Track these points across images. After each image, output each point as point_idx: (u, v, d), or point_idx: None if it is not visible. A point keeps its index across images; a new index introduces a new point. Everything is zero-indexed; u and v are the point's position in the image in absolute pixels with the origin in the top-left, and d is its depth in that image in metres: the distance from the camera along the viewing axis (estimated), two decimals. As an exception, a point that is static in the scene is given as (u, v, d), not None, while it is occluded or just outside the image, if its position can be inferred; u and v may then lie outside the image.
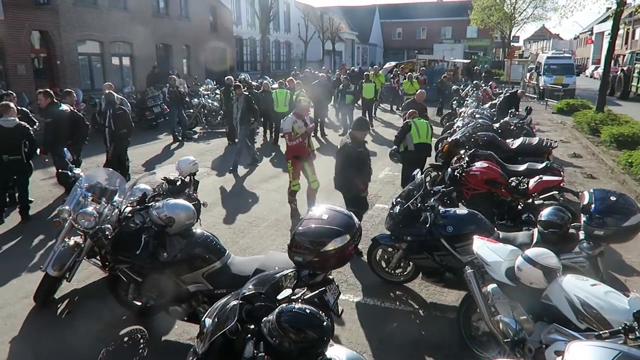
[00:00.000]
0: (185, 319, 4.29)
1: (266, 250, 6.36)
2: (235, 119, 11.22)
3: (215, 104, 16.11)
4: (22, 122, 7.12)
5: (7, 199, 7.56)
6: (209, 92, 17.16)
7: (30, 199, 7.61)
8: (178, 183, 5.93)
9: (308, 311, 2.50)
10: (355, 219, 3.65)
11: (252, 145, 11.92)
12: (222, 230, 6.93)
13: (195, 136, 14.89)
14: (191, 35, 24.65)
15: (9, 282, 5.52)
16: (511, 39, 42.77)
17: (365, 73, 18.86)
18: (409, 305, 5.16)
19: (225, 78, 14.55)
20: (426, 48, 45.61)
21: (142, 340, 4.49)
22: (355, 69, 27.86)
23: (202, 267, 4.07)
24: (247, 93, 11.60)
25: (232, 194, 9.02)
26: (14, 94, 8.86)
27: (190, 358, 2.69)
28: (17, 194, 7.59)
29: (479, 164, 6.75)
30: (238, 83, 12.34)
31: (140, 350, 4.36)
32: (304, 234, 3.50)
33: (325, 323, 2.50)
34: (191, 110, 15.68)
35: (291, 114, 7.90)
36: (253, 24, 34.52)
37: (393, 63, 29.79)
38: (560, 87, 23.50)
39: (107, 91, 8.88)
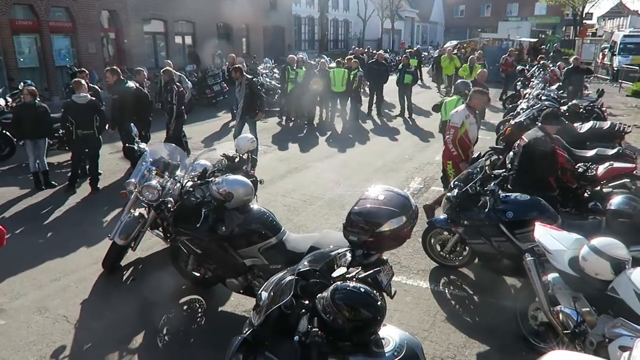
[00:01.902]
0: (241, 291, 4.42)
1: (320, 229, 6.45)
2: (238, 109, 9.77)
3: (274, 82, 16.25)
4: (94, 98, 7.50)
5: (79, 171, 8.03)
6: (267, 71, 17.31)
7: (99, 171, 8.05)
8: (236, 160, 6.07)
9: (362, 290, 2.51)
10: (412, 201, 3.60)
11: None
12: (277, 207, 7.05)
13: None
14: (251, 14, 24.83)
15: (79, 248, 5.90)
16: (584, 15, 40.13)
17: (405, 55, 17.54)
18: (463, 290, 5.07)
19: (288, 57, 14.55)
20: (490, 26, 43.75)
21: (200, 310, 4.69)
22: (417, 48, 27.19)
23: (259, 242, 4.17)
24: (250, 76, 10.13)
25: (287, 172, 9.13)
26: (87, 71, 9.30)
27: (246, 329, 2.78)
28: (87, 167, 8.05)
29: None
30: (238, 65, 10.48)
31: (198, 319, 4.55)
32: (359, 214, 3.50)
33: (379, 302, 2.51)
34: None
35: (463, 105, 6.43)
36: (312, 2, 34.34)
37: (454, 42, 28.80)
38: (637, 67, 21.88)
39: (166, 68, 9.14)
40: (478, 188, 4.82)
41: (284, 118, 14.08)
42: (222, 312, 4.66)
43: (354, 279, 2.72)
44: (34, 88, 7.98)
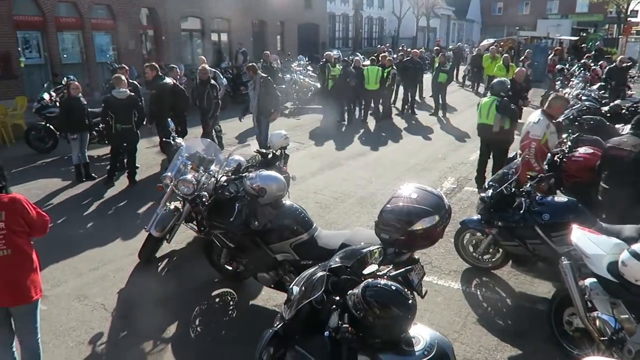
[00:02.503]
0: (272, 286, 4.47)
1: (350, 226, 6.45)
2: (253, 109, 9.47)
3: (307, 80, 16.31)
4: (133, 94, 7.71)
5: (118, 164, 8.27)
6: (301, 68, 17.39)
7: (136, 164, 8.27)
8: (269, 156, 6.14)
9: (394, 288, 2.51)
10: (445, 200, 3.57)
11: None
12: (308, 204, 7.09)
13: (286, 112, 15.22)
14: (286, 12, 24.99)
15: (117, 239, 6.08)
16: (628, 13, 38.63)
17: (442, 53, 17.21)
18: (495, 292, 4.99)
19: (325, 54, 14.57)
20: (529, 24, 42.66)
21: (231, 303, 4.78)
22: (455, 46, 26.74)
23: (290, 238, 4.21)
24: (265, 75, 9.73)
25: (319, 170, 9.17)
26: (126, 68, 9.55)
27: (277, 322, 2.82)
28: (125, 160, 8.28)
29: (582, 150, 6.23)
30: (252, 64, 10.15)
31: (230, 312, 4.64)
32: (391, 212, 3.50)
33: (410, 301, 2.51)
34: (283, 86, 16.01)
35: (540, 113, 5.72)
36: (346, 0, 34.27)
37: (491, 40, 28.17)
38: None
39: (203, 65, 9.30)
40: (513, 189, 4.73)
41: (324, 115, 14.04)
42: (253, 305, 4.73)
43: (385, 277, 2.72)
44: (78, 83, 8.26)
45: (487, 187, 5.00)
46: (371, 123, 13.61)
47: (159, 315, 4.50)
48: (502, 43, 27.14)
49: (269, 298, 4.79)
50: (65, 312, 4.52)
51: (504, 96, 7.30)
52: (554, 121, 5.75)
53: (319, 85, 15.83)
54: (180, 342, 4.15)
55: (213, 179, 5.23)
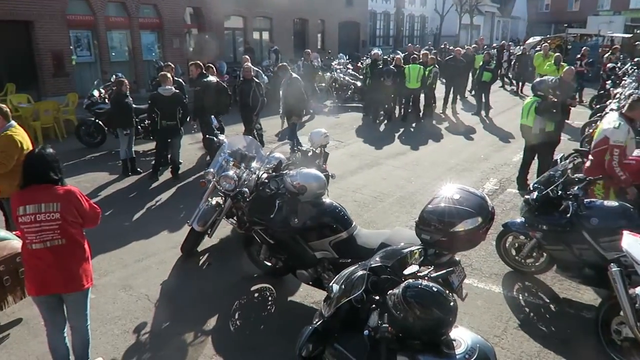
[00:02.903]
0: (310, 283, 4.50)
1: (390, 226, 6.41)
2: (282, 107, 9.36)
3: (347, 78, 16.28)
4: (178, 91, 7.92)
5: (162, 160, 8.51)
6: (341, 67, 17.38)
7: (179, 160, 8.48)
8: (309, 154, 6.18)
9: (435, 289, 2.49)
10: (489, 202, 3.49)
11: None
12: (347, 202, 7.08)
13: (326, 110, 15.26)
14: (327, 10, 25.01)
15: (160, 232, 6.26)
16: (687, 9, 36.62)
17: (487, 52, 16.64)
18: (538, 298, 4.85)
19: (372, 52, 14.50)
20: (578, 21, 41.11)
21: (270, 298, 4.83)
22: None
23: (330, 236, 4.22)
24: (296, 75, 9.62)
25: (358, 168, 9.15)
26: (172, 65, 9.79)
27: (316, 320, 2.84)
28: (169, 156, 8.51)
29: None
30: (284, 64, 10.15)
31: (269, 307, 4.69)
32: (432, 212, 3.46)
33: (451, 303, 2.47)
34: (323, 84, 16.06)
35: (618, 117, 5.40)
36: (388, -2, 33.98)
37: (538, 38, 27.31)
38: None
39: (247, 64, 9.42)
40: (560, 192, 4.58)
41: (368, 114, 14.00)
42: (291, 302, 4.77)
43: (426, 278, 2.70)
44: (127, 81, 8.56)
45: (532, 189, 4.86)
46: (411, 122, 13.46)
47: (200, 307, 4.61)
48: (549, 41, 26.28)
49: (307, 295, 4.82)
50: (111, 301, 4.69)
51: (545, 96, 7.04)
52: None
53: (358, 83, 15.81)
54: (220, 335, 4.23)
55: (254, 176, 5.32)
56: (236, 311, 4.59)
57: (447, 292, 2.56)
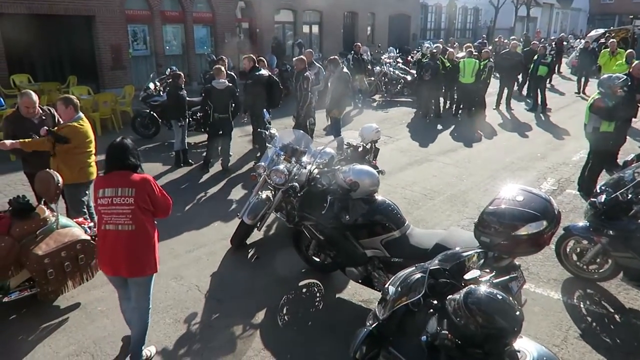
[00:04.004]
0: (360, 281, 4.42)
1: (440, 225, 6.25)
2: (330, 100, 9.18)
3: (397, 72, 16.01)
4: (231, 85, 7.99)
5: (213, 152, 8.62)
6: (391, 61, 17.09)
7: (230, 153, 8.58)
8: (360, 149, 6.08)
9: (499, 297, 2.35)
10: (555, 205, 3.29)
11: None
12: (396, 199, 6.89)
13: (374, 104, 15.07)
14: (378, 2, 24.67)
15: (210, 223, 6.34)
16: None
17: (542, 45, 15.77)
18: (601, 306, 4.57)
19: (425, 46, 14.19)
20: (645, 12, 38.66)
21: (318, 294, 4.79)
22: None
23: (381, 234, 4.12)
24: (346, 70, 9.39)
25: (408, 164, 8.96)
26: (225, 59, 9.89)
27: (370, 321, 2.76)
28: (220, 148, 8.62)
29: None
30: (335, 57, 9.75)
31: (316, 303, 4.65)
32: (493, 214, 3.29)
33: (517, 313, 2.33)
34: (372, 78, 15.85)
35: None
36: (441, -10, 33.15)
37: (600, 30, 25.93)
38: None
39: (300, 57, 9.39)
40: (630, 195, 4.28)
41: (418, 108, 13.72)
42: (339, 299, 4.71)
43: (488, 284, 2.56)
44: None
45: (599, 191, 4.58)
46: (463, 117, 13.09)
47: (249, 300, 4.62)
48: (612, 34, 24.90)
49: (355, 293, 4.75)
50: (163, 290, 4.78)
51: (608, 93, 6.56)
52: None
53: (408, 77, 15.50)
54: (268, 329, 4.23)
55: (304, 170, 5.28)
56: (284, 306, 4.58)
57: (513, 300, 2.41)
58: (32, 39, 13.08)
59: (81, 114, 5.20)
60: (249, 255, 5.56)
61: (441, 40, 25.57)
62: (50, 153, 5.04)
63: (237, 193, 7.44)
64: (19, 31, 12.43)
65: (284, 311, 4.50)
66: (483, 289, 2.42)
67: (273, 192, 5.60)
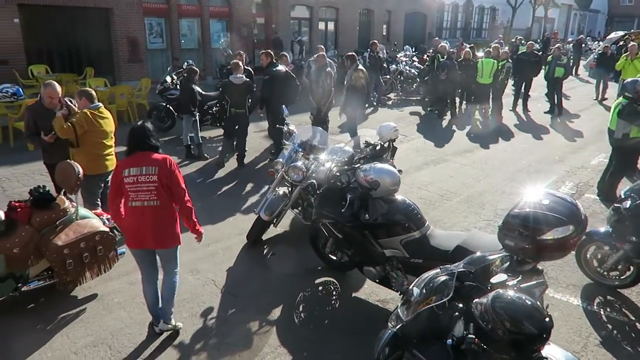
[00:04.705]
0: (377, 281, 4.39)
1: (457, 226, 6.20)
2: (343, 98, 9.10)
3: (413, 71, 15.91)
4: (248, 80, 7.98)
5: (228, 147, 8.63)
6: (406, 59, 16.99)
7: (245, 148, 8.57)
8: (377, 147, 6.03)
9: (529, 302, 2.31)
10: (582, 209, 3.23)
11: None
12: (412, 199, 6.77)
13: (389, 102, 14.99)
14: (394, 0, 24.52)
15: (226, 218, 6.33)
16: None
17: (557, 46, 15.53)
18: (623, 314, 4.49)
19: (440, 45, 14.08)
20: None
21: (334, 293, 4.77)
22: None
23: (401, 234, 4.08)
24: (362, 68, 9.33)
25: (424, 164, 8.90)
26: (243, 54, 9.88)
27: (393, 322, 2.73)
28: (235, 143, 8.61)
29: None
30: (352, 53, 9.78)
31: (332, 302, 4.62)
32: (518, 217, 3.24)
33: (546, 319, 2.29)
34: (387, 77, 15.76)
35: None
36: (458, -11, 32.88)
37: (620, 33, 25.55)
38: None
39: (320, 53, 9.36)
40: (656, 201, 4.21)
41: (433, 108, 13.63)
42: (355, 298, 4.68)
43: (515, 288, 2.52)
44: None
45: (623, 197, 4.50)
46: (479, 118, 12.97)
47: (264, 296, 4.61)
48: (632, 37, 24.53)
49: (372, 292, 4.72)
50: (179, 283, 4.76)
51: (635, 99, 6.44)
52: None
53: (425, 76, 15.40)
54: (285, 326, 4.21)
55: (322, 168, 5.25)
56: (300, 303, 4.56)
57: (542, 306, 2.37)
58: (51, 30, 13.20)
59: (99, 104, 5.24)
60: (265, 252, 5.55)
61: (460, 39, 25.33)
62: (73, 144, 5.07)
63: (252, 188, 7.43)
64: (38, 22, 12.54)
65: (300, 308, 4.49)
66: (511, 293, 2.39)
67: (290, 189, 5.58)
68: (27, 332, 4.02)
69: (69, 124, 4.91)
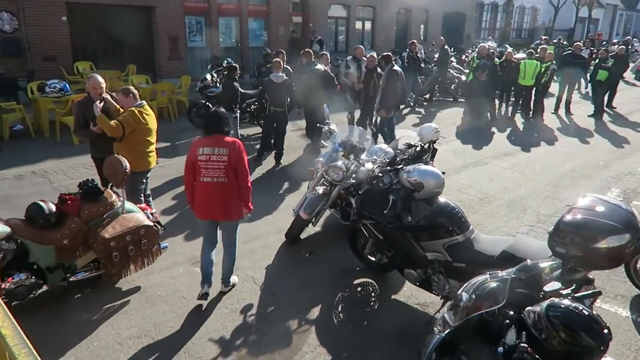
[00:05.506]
0: (418, 284, 4.34)
1: (497, 231, 6.07)
2: (379, 99, 8.88)
3: (451, 71, 15.66)
4: (288, 78, 8.01)
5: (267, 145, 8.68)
6: (445, 59, 16.70)
7: (283, 146, 8.61)
8: (417, 149, 5.95)
9: (586, 313, 2.23)
10: (638, 217, 3.10)
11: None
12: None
13: (426, 103, 14.81)
14: (434, 0, 24.19)
15: (264, 216, 6.37)
16: None
17: (604, 48, 14.95)
18: (676, 328, 4.31)
19: (480, 46, 13.84)
20: None
21: (373, 294, 4.74)
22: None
23: (444, 238, 4.02)
24: (396, 68, 9.10)
25: (463, 167, 8.75)
26: (283, 52, 9.93)
27: (440, 327, 2.68)
28: (273, 141, 8.67)
29: None
30: (388, 53, 9.54)
31: (372, 303, 4.60)
32: (570, 224, 3.13)
33: (605, 330, 2.20)
34: (423, 77, 15.56)
35: None
36: (498, -12, 32.21)
37: (669, 34, 24.53)
38: None
39: (371, 54, 9.33)
40: None
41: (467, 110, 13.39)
42: (394, 300, 4.64)
43: (569, 297, 2.44)
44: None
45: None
46: (520, 121, 12.68)
47: (303, 295, 4.62)
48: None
49: (411, 295, 4.67)
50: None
51: None
52: None
53: (462, 77, 15.15)
54: (323, 326, 4.21)
55: (363, 168, 5.22)
56: (339, 303, 4.55)
57: (600, 317, 2.28)
58: (96, 28, 13.60)
59: (143, 102, 5.36)
60: (303, 251, 5.56)
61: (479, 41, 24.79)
62: (115, 138, 5.18)
63: (289, 187, 7.46)
64: (84, 19, 12.93)
65: (339, 309, 4.48)
66: (566, 302, 2.31)
67: (329, 188, 5.57)
68: (74, 321, 4.14)
69: (117, 122, 5.02)
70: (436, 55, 17.19)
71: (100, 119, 5.03)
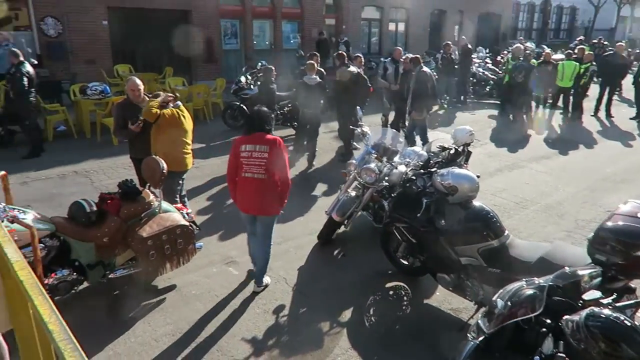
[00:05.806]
0: (451, 289, 4.29)
1: (534, 236, 5.94)
2: (410, 101, 8.89)
3: (486, 73, 15.41)
4: (321, 81, 8.06)
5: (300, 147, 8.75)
6: (480, 61, 16.48)
7: (316, 148, 8.65)
8: (451, 151, 5.89)
9: (628, 323, 2.16)
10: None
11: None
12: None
13: (460, 105, 14.60)
14: (467, 0, 23.84)
15: (297, 218, 6.41)
16: None
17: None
18: None
19: (515, 46, 13.61)
20: None
21: (405, 298, 4.71)
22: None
23: (478, 243, 3.95)
24: (426, 69, 9.07)
25: (497, 170, 8.60)
26: (317, 55, 9.99)
27: (474, 334, 2.65)
28: (305, 143, 8.72)
29: None
30: (417, 56, 9.50)
31: (404, 307, 4.57)
32: (612, 231, 3.04)
33: (647, 342, 2.13)
34: (455, 78, 15.35)
35: None
36: (536, -13, 31.48)
37: None
38: None
39: (408, 55, 9.30)
40: None
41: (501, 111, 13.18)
42: (427, 305, 4.60)
43: (610, 307, 2.37)
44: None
45: None
46: (557, 123, 12.35)
47: (335, 297, 4.63)
48: None
49: (444, 300, 4.62)
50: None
51: None
52: None
53: (495, 78, 14.90)
54: (355, 329, 4.21)
55: (396, 171, 5.20)
56: (371, 307, 4.54)
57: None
58: (135, 31, 13.98)
59: (179, 103, 5.47)
60: (335, 252, 5.57)
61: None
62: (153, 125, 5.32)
63: (322, 189, 7.50)
64: (124, 23, 13.30)
65: (371, 312, 4.47)
66: (607, 312, 2.25)
67: (361, 190, 5.57)
68: (112, 317, 4.28)
69: (157, 110, 5.18)
70: (472, 56, 16.96)
71: (147, 104, 5.26)
